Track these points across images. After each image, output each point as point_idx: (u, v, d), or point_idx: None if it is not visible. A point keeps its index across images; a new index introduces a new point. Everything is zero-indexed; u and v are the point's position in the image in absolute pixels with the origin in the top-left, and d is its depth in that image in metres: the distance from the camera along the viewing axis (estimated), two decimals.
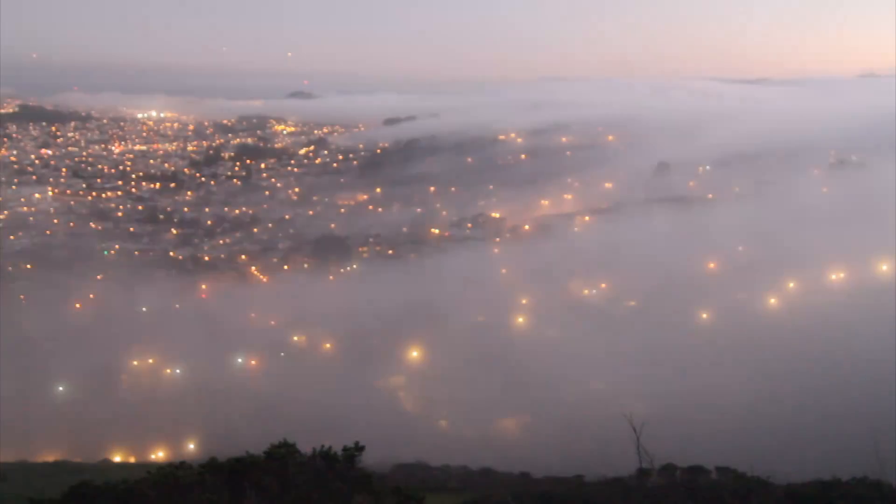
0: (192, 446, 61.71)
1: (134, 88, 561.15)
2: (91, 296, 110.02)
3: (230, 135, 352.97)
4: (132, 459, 58.01)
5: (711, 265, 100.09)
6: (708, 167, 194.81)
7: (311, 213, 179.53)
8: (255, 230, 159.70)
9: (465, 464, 33.62)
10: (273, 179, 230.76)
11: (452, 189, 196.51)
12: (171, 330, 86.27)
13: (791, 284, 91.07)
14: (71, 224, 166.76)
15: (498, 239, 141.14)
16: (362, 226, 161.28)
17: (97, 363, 76.68)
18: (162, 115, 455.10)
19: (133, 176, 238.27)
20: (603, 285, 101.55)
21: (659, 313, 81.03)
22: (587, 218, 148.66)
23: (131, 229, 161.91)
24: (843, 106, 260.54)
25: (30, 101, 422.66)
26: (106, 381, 75.60)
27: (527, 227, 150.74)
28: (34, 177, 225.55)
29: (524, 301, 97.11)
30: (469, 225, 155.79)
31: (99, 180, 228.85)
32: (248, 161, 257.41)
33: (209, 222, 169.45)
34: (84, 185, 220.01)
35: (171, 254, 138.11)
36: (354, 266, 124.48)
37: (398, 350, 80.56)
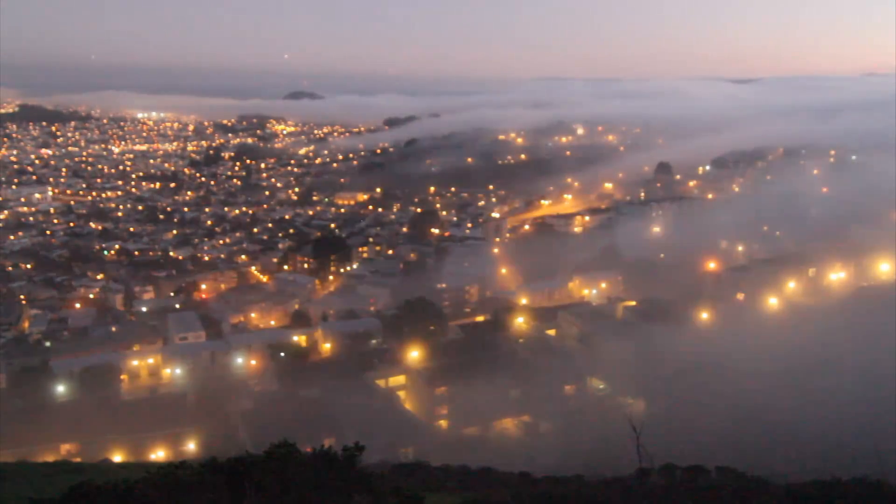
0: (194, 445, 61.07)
1: (134, 88, 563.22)
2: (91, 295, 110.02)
3: (230, 135, 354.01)
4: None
5: (711, 264, 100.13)
6: (708, 167, 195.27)
7: (311, 213, 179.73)
8: (255, 230, 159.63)
9: (465, 464, 33.57)
10: (273, 179, 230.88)
11: (452, 189, 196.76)
12: None
13: (791, 284, 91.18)
14: (71, 224, 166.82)
15: (498, 238, 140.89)
16: (362, 226, 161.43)
17: None
18: (162, 115, 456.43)
19: (133, 176, 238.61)
20: (603, 285, 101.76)
21: (658, 313, 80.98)
22: (587, 218, 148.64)
23: (131, 229, 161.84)
24: (845, 105, 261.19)
25: (30, 101, 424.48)
26: None
27: (527, 226, 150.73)
28: (34, 177, 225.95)
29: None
30: (469, 225, 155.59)
31: (99, 180, 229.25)
32: (248, 161, 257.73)
33: (209, 222, 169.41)
34: (84, 185, 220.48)
35: (172, 253, 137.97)
36: None
37: None
